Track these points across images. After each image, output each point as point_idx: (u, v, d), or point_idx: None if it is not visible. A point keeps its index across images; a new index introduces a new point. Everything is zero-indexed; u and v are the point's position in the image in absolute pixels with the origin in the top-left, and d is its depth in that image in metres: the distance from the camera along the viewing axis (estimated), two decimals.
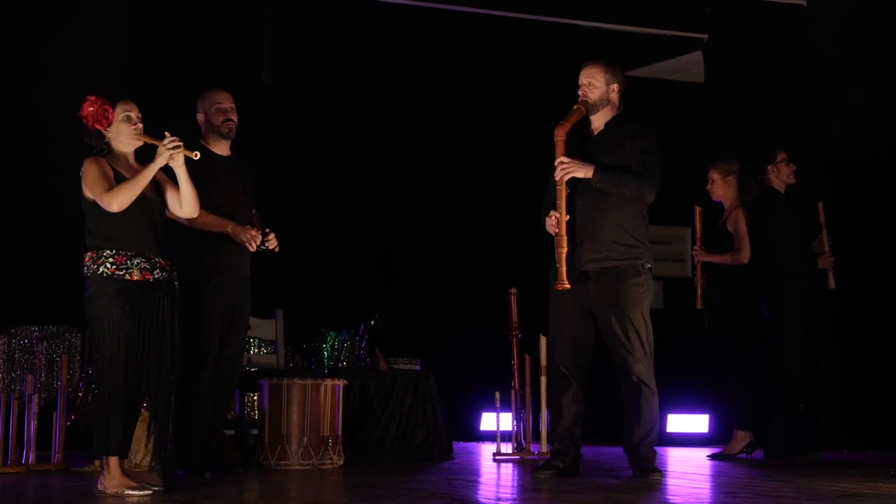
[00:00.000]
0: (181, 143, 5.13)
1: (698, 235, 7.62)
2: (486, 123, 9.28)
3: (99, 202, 5.09)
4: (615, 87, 5.94)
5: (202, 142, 6.13)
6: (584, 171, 5.78)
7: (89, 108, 5.16)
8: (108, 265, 5.06)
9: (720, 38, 9.17)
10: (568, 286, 5.75)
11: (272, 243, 6.15)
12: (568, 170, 5.78)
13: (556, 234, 5.77)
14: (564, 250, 5.74)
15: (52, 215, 7.76)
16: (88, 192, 5.12)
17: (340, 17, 8.94)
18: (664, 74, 9.79)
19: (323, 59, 8.97)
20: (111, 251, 5.08)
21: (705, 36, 9.22)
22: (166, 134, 5.13)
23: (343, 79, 9.01)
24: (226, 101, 6.17)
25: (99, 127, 5.17)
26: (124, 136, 5.20)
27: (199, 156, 5.23)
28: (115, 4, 8.17)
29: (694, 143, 9.05)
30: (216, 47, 8.32)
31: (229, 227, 6.01)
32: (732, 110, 9.02)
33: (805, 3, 8.97)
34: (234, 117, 6.17)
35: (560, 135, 5.82)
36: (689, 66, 9.53)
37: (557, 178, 5.79)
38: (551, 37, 9.16)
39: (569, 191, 5.79)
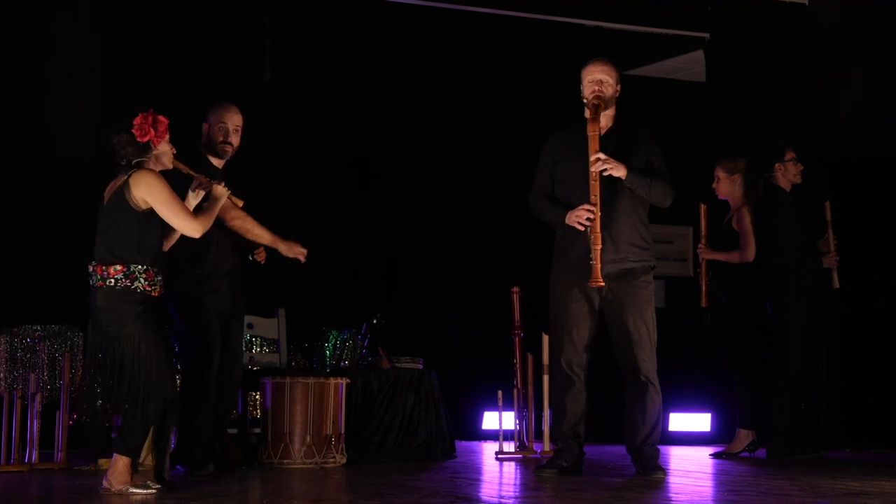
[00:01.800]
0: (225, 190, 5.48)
1: (703, 233, 7.60)
2: (488, 122, 9.28)
3: (179, 222, 5.16)
4: (619, 87, 5.95)
5: (203, 150, 6.17)
6: (618, 169, 5.74)
7: (155, 122, 5.15)
8: (142, 281, 5.09)
9: (721, 36, 9.16)
10: (602, 283, 5.72)
11: (260, 256, 6.28)
12: (608, 165, 5.71)
13: (591, 230, 5.69)
14: (600, 247, 5.69)
15: (53, 215, 7.77)
16: (142, 203, 5.09)
17: (342, 16, 8.94)
18: (665, 73, 9.78)
19: (325, 58, 8.97)
20: (143, 267, 5.10)
21: (707, 35, 9.22)
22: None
23: (345, 78, 9.01)
24: (230, 122, 6.18)
25: (157, 142, 5.18)
26: (166, 157, 5.25)
27: (242, 204, 5.76)
28: (116, 3, 8.16)
29: (695, 142, 9.05)
30: (218, 46, 8.32)
31: (281, 246, 6.20)
32: (734, 109, 9.02)
33: (806, 2, 8.96)
34: (235, 140, 6.19)
35: (594, 129, 5.74)
36: (690, 65, 9.53)
37: (594, 171, 5.70)
38: (552, 36, 9.16)
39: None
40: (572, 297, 5.87)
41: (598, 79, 5.88)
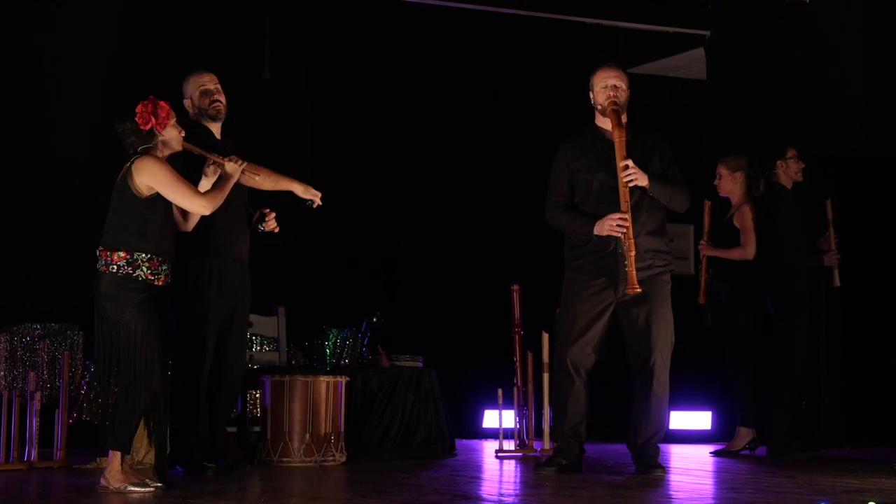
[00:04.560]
0: (245, 163, 5.46)
1: (706, 230, 7.62)
2: (488, 120, 9.27)
3: (186, 201, 5.15)
4: (629, 91, 5.96)
5: (196, 124, 6.05)
6: (643, 180, 5.75)
7: (156, 109, 5.17)
8: (145, 269, 5.09)
9: (722, 34, 9.16)
10: (640, 290, 5.69)
11: (271, 224, 6.16)
12: (634, 177, 5.71)
13: (625, 237, 5.69)
14: (634, 253, 5.68)
15: (53, 214, 7.77)
16: (145, 189, 5.09)
17: (342, 14, 8.93)
18: (666, 71, 9.77)
19: (325, 56, 8.96)
20: (146, 255, 5.10)
21: (707, 32, 9.21)
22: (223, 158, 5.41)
23: (344, 76, 9.01)
24: (210, 83, 6.10)
25: (159, 129, 5.19)
26: (174, 141, 5.26)
27: (261, 174, 5.76)
28: (117, 2, 8.16)
29: (696, 141, 9.04)
30: (217, 44, 8.31)
31: (297, 186, 6.08)
32: (735, 107, 9.01)
33: (807, 0, 8.95)
34: (222, 98, 6.11)
35: (621, 135, 5.75)
36: (691, 63, 9.52)
37: (623, 183, 5.70)
38: (553, 34, 9.15)
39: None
40: (586, 296, 5.86)
41: (612, 84, 5.88)
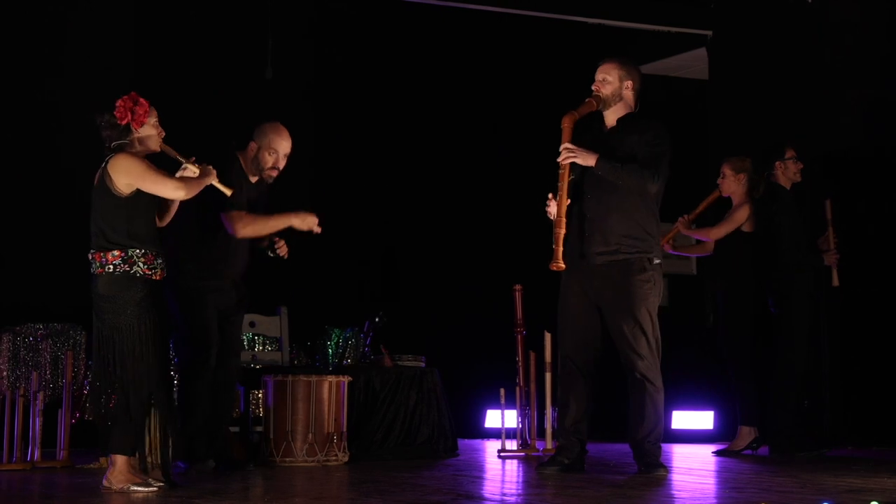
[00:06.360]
0: (214, 172, 5.36)
1: (696, 211, 7.64)
2: (491, 120, 9.29)
3: (163, 188, 5.08)
4: (629, 83, 5.94)
5: (241, 163, 6.14)
6: (586, 159, 5.75)
7: (135, 106, 5.13)
8: (141, 265, 5.08)
9: (724, 34, 9.16)
10: (563, 266, 5.72)
11: (283, 251, 6.21)
12: (570, 155, 5.74)
13: (556, 216, 5.74)
14: (562, 231, 5.70)
15: (56, 213, 7.78)
16: (125, 187, 5.07)
17: (344, 14, 8.94)
18: (668, 71, 9.78)
19: (326, 56, 8.97)
20: (140, 251, 5.09)
21: (709, 32, 9.22)
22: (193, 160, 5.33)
23: (346, 76, 9.01)
24: (282, 149, 6.18)
25: (135, 125, 5.15)
26: (151, 140, 5.22)
27: (230, 193, 5.56)
28: (120, 1, 8.17)
29: (698, 141, 9.04)
30: (220, 43, 8.33)
31: (294, 220, 6.10)
32: (737, 107, 9.02)
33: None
34: (282, 165, 6.19)
35: (567, 122, 5.79)
36: (693, 63, 9.53)
37: (560, 162, 5.75)
38: (556, 34, 9.16)
39: (573, 177, 5.77)
40: (572, 292, 5.89)
41: (598, 78, 5.95)
